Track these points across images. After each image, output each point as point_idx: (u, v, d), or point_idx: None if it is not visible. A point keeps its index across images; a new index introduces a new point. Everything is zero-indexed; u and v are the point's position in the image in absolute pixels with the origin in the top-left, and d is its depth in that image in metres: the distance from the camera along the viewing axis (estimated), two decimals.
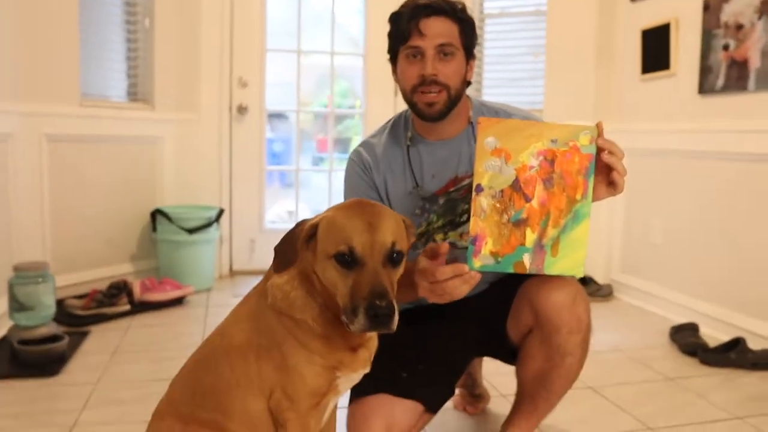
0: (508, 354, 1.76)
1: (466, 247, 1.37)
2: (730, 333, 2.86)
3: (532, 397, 1.68)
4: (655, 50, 3.43)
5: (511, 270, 1.33)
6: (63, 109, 3.30)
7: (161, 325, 3.08)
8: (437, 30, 1.61)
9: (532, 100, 4.07)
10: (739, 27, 2.90)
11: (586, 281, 3.74)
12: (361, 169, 1.79)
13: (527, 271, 1.33)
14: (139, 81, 3.86)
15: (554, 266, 1.33)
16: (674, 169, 3.34)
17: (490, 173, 1.31)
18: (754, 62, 2.83)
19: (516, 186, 1.31)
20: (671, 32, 3.30)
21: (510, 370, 1.75)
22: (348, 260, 1.17)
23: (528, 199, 1.31)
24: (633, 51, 3.63)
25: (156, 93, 3.83)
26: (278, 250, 1.24)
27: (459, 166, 1.72)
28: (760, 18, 2.80)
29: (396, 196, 1.76)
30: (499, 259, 1.32)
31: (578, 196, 1.32)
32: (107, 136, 3.57)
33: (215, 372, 1.31)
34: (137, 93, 3.87)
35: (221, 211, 3.84)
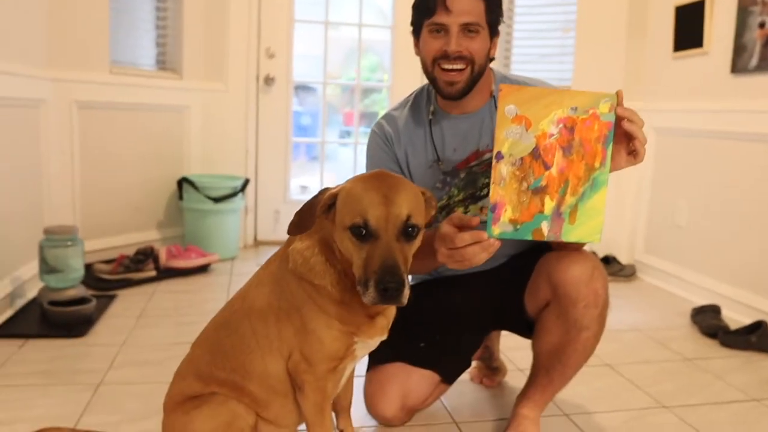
0: (525, 327, 1.78)
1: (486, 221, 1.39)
2: (753, 316, 2.83)
3: (548, 370, 1.69)
4: (689, 27, 3.36)
5: (529, 237, 1.34)
6: (93, 76, 3.35)
7: (185, 291, 3.14)
8: (464, 7, 1.59)
9: (561, 77, 4.01)
10: None
11: (608, 261, 3.72)
12: (383, 141, 1.80)
13: (545, 239, 1.34)
14: (167, 50, 3.89)
15: (572, 233, 1.34)
16: (703, 150, 3.29)
17: (510, 140, 1.32)
18: None
19: (536, 154, 1.32)
20: (705, 9, 3.23)
21: (527, 344, 1.77)
22: (362, 233, 1.18)
23: (547, 167, 1.32)
24: (666, 28, 3.56)
25: (184, 62, 3.86)
26: (298, 213, 1.26)
27: (480, 139, 1.73)
28: None
29: (417, 169, 1.77)
30: (518, 226, 1.33)
31: (597, 164, 1.32)
32: (136, 104, 3.61)
33: (236, 333, 1.35)
34: (166, 62, 3.90)
35: (247, 181, 3.88)
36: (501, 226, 1.33)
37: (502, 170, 1.32)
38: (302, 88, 5.33)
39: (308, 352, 1.30)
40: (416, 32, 1.71)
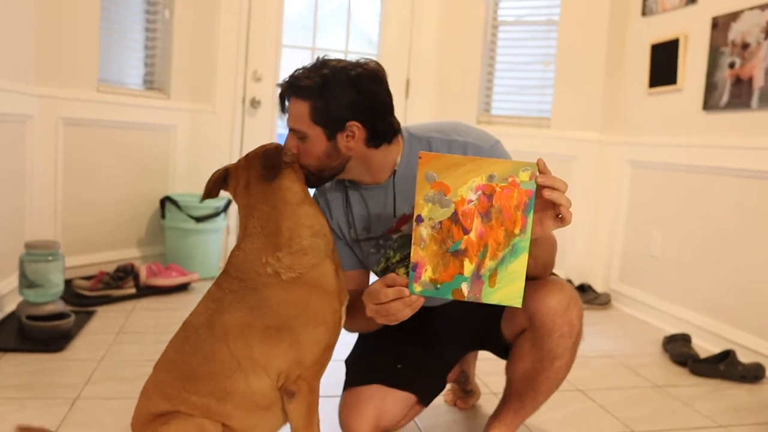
0: (502, 349, 1.82)
1: None
2: (722, 345, 2.90)
3: (520, 395, 1.74)
4: (664, 65, 3.48)
5: (450, 297, 1.37)
6: (81, 94, 3.39)
7: (165, 309, 3.15)
8: (291, 112, 1.55)
9: (541, 108, 4.12)
10: (746, 46, 2.95)
11: (584, 289, 3.79)
12: (323, 208, 1.74)
13: (465, 299, 1.36)
14: (156, 70, 3.94)
15: (492, 296, 1.35)
16: (677, 183, 3.39)
17: (429, 205, 1.35)
18: (758, 81, 2.88)
19: (455, 218, 1.34)
20: (680, 48, 3.35)
21: (501, 369, 1.81)
22: None
23: (466, 232, 1.34)
24: (642, 64, 3.68)
25: (172, 82, 3.91)
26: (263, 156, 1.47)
27: (404, 206, 1.68)
28: (766, 38, 2.85)
29: (350, 241, 1.74)
30: (438, 285, 1.36)
31: (517, 231, 1.34)
32: (122, 122, 3.65)
33: (213, 360, 1.36)
34: (153, 81, 3.95)
35: (229, 202, 3.91)
36: (422, 285, 1.37)
37: (422, 232, 1.35)
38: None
39: (304, 356, 1.35)
40: None
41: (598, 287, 3.90)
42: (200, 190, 3.98)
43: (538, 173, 1.32)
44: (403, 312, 1.40)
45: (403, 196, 1.65)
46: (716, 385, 2.56)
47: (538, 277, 1.68)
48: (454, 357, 1.96)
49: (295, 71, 1.55)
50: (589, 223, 3.92)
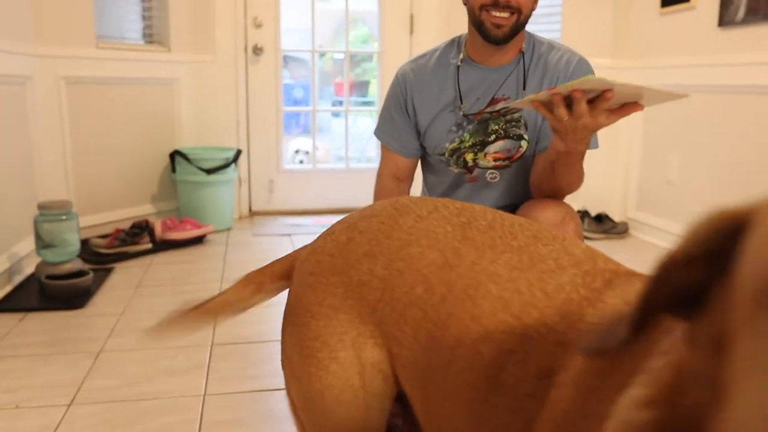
0: None
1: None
2: None
3: None
4: None
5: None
6: (79, 52, 3.34)
7: (182, 262, 3.17)
8: None
9: (549, 36, 4.00)
10: None
11: (601, 219, 3.75)
12: (399, 88, 1.88)
13: None
14: (154, 23, 3.86)
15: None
16: (692, 105, 3.30)
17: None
18: None
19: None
20: None
21: None
22: None
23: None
24: None
25: (171, 35, 3.84)
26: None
27: (500, 90, 1.79)
28: None
29: (436, 111, 1.83)
30: None
31: None
32: (124, 78, 3.60)
33: None
34: (153, 35, 3.88)
35: (239, 152, 3.88)
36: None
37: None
38: (293, 61, 5.31)
39: None
40: None
41: (616, 216, 3.85)
42: (208, 141, 3.99)
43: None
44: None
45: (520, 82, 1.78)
46: None
47: (543, 194, 1.72)
48: None
49: None
50: (605, 151, 3.83)
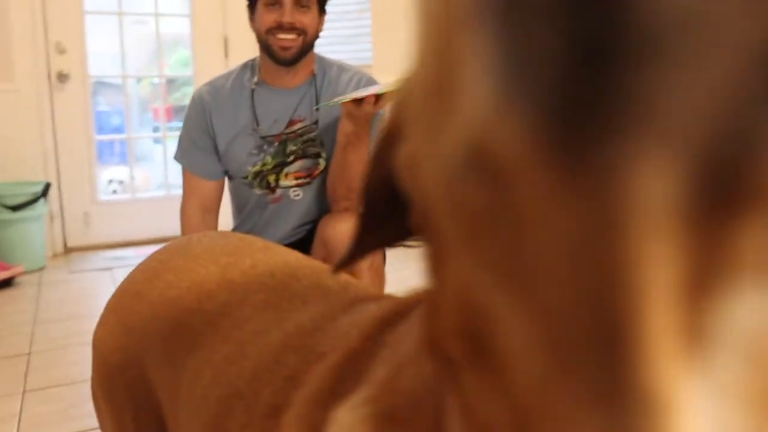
0: None
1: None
2: None
3: None
4: None
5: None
6: None
7: None
8: None
9: (361, 56, 4.17)
10: None
11: None
12: (199, 111, 1.88)
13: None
14: None
15: None
16: None
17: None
18: None
19: None
20: None
21: None
22: None
23: None
24: None
25: None
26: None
27: (296, 112, 1.86)
28: None
29: (234, 134, 1.85)
30: None
31: None
32: None
33: None
34: None
35: (48, 186, 3.64)
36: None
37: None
38: (107, 87, 5.07)
39: None
40: (251, 6, 1.84)
41: None
42: (11, 176, 3.70)
43: None
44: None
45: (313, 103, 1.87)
46: None
47: (338, 200, 1.81)
48: None
49: None
50: None
